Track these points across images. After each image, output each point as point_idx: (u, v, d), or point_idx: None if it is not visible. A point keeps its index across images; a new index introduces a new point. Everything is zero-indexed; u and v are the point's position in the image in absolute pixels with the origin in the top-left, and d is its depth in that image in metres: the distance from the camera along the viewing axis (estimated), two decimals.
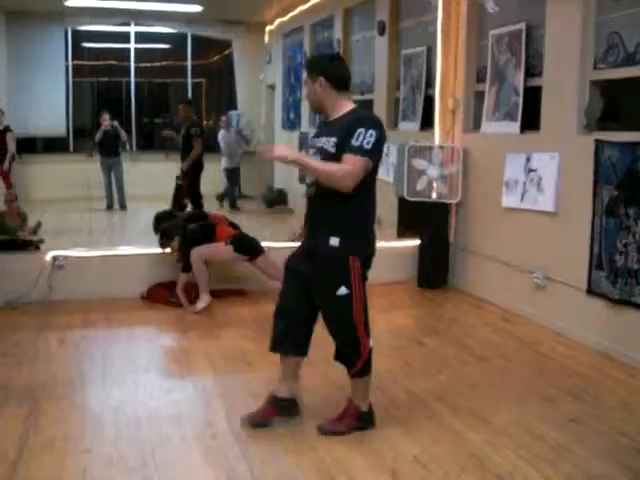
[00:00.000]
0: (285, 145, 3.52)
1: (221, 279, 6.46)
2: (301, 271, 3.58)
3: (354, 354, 3.57)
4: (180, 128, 9.65)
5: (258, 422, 3.71)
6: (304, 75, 12.75)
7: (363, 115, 3.48)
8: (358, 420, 3.69)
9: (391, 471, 3.28)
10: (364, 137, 3.29)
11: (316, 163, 3.38)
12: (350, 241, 3.43)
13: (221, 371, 4.66)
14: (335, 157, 3.36)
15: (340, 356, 3.66)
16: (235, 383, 4.45)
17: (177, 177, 9.52)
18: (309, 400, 3.98)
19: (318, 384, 4.25)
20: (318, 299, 3.57)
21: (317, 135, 3.59)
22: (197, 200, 9.37)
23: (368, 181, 3.42)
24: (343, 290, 3.45)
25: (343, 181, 3.31)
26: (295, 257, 3.68)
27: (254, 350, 5.09)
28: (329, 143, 3.41)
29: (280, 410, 3.74)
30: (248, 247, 6.22)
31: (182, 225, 6.28)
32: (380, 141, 3.36)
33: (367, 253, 3.53)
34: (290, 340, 3.65)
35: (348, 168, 3.30)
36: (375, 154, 3.35)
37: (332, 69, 3.50)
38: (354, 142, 3.30)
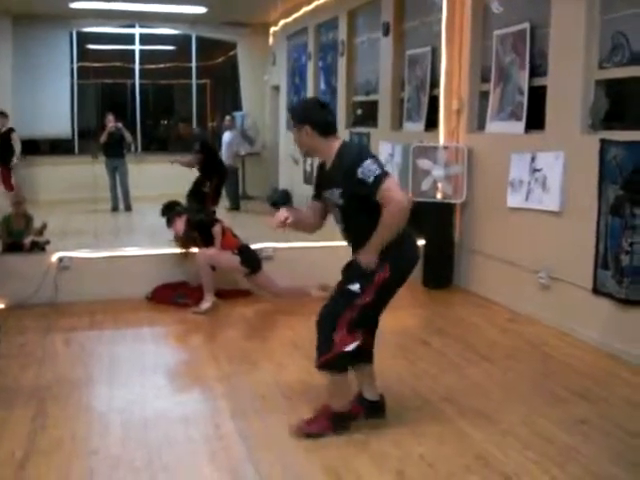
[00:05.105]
0: (363, 256, 3.48)
1: (226, 280, 6.47)
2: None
3: (322, 345, 3.53)
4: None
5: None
6: (309, 76, 12.66)
7: (351, 154, 3.47)
8: (329, 421, 3.64)
9: (397, 471, 3.29)
10: (368, 171, 3.32)
11: (379, 238, 3.38)
12: (384, 253, 3.42)
13: (226, 372, 4.66)
14: (344, 207, 3.48)
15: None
16: (241, 384, 4.45)
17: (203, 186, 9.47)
18: (314, 400, 3.99)
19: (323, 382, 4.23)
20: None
21: (319, 183, 3.70)
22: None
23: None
24: (356, 287, 3.46)
25: (398, 211, 3.32)
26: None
27: (259, 350, 5.12)
28: (335, 195, 3.50)
29: (369, 412, 3.78)
30: (253, 261, 6.31)
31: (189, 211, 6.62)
32: (378, 161, 3.42)
33: (402, 261, 3.52)
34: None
35: (392, 202, 3.30)
36: (384, 171, 3.38)
37: (317, 116, 3.52)
38: (369, 181, 3.31)
